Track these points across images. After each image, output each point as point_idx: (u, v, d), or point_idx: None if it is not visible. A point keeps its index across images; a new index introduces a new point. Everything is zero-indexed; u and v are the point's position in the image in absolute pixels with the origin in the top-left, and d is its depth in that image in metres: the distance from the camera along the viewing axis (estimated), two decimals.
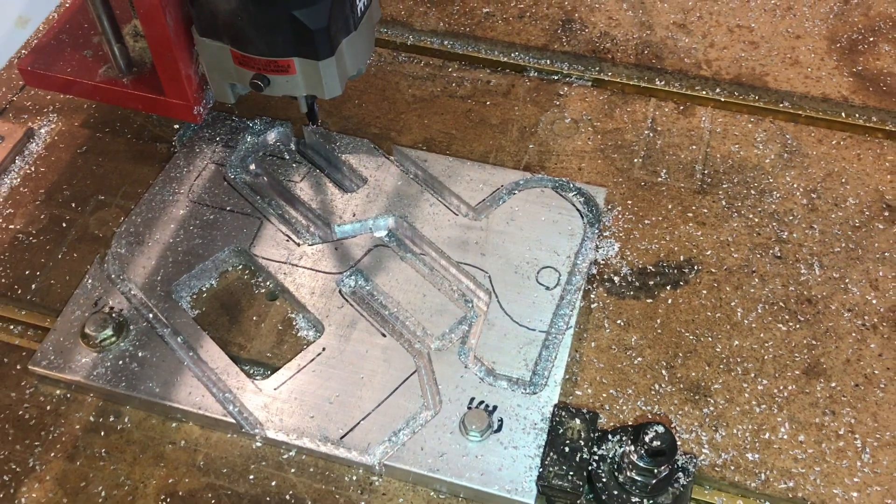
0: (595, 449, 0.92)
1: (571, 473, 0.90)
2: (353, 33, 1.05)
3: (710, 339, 1.06)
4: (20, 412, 1.03)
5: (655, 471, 0.86)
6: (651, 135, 1.27)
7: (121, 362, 1.02)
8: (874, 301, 1.09)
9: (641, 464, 0.86)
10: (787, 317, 1.08)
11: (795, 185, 1.20)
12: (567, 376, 1.03)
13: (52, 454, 0.99)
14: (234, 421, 0.98)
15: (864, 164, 1.23)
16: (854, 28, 1.40)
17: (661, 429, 0.86)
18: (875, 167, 1.22)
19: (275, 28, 1.00)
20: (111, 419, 1.02)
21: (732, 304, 1.09)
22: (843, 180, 1.21)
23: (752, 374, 1.03)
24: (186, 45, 1.09)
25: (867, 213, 1.17)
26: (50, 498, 0.96)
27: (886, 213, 1.17)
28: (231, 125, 1.26)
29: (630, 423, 0.98)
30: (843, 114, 1.29)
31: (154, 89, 1.16)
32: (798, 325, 1.07)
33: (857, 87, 1.32)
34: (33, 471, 0.98)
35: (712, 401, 1.01)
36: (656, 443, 0.85)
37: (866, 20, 1.41)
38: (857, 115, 1.29)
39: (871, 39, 1.38)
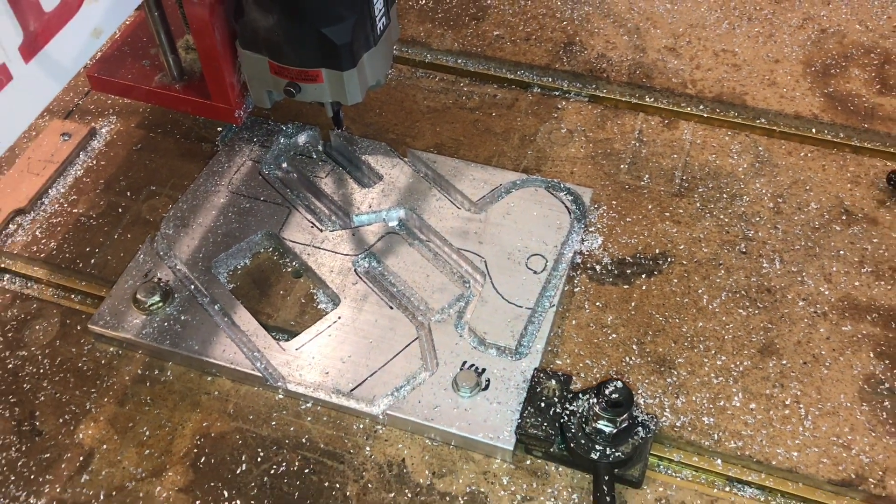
0: (567, 405, 1.07)
1: (545, 424, 1.05)
2: (372, 48, 1.22)
3: (677, 320, 1.21)
4: (79, 364, 1.20)
5: (617, 420, 1.01)
6: (637, 144, 1.42)
7: (166, 324, 1.19)
8: (826, 292, 1.22)
9: (603, 414, 1.01)
10: (747, 303, 1.22)
11: (764, 191, 1.35)
12: (549, 348, 1.18)
13: (106, 399, 1.16)
14: (260, 375, 1.14)
15: (827, 174, 1.37)
16: (828, 54, 1.54)
17: (619, 384, 1.01)
18: (837, 177, 1.36)
19: (306, 43, 1.17)
20: (156, 372, 1.19)
21: (699, 291, 1.23)
22: (808, 188, 1.35)
23: (713, 351, 1.17)
24: (231, 57, 1.26)
25: (827, 216, 1.31)
26: (103, 434, 1.13)
27: (844, 217, 1.31)
28: (267, 128, 1.44)
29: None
30: (813, 130, 1.43)
31: (202, 95, 1.33)
32: (757, 311, 1.21)
33: (828, 106, 1.46)
34: (89, 412, 1.15)
35: (676, 372, 1.15)
36: (615, 395, 1.00)
37: (840, 47, 1.55)
38: (825, 132, 1.43)
39: (843, 64, 1.52)
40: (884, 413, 1.10)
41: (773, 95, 1.48)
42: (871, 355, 1.16)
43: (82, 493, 1.08)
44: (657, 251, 1.28)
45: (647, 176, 1.38)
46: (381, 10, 1.20)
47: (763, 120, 1.45)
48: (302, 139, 1.42)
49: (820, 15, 1.61)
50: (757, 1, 1.65)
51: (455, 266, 1.24)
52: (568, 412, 1.06)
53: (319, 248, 1.27)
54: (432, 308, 1.19)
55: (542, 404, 1.07)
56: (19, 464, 1.11)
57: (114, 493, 1.08)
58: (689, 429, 1.10)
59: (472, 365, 1.13)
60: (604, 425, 1.02)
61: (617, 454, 1.02)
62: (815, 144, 1.41)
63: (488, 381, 1.11)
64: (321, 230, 1.29)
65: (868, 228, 1.29)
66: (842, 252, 1.27)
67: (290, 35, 1.16)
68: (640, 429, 1.05)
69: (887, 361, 1.15)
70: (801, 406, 1.12)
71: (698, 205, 1.34)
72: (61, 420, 1.15)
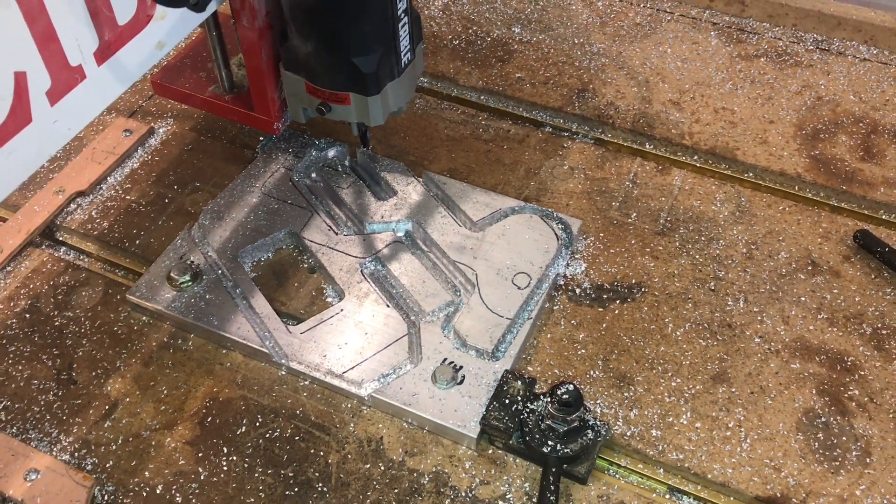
0: (529, 404, 1.21)
1: (507, 418, 1.19)
2: (396, 79, 1.39)
3: (642, 343, 1.34)
4: (115, 328, 1.38)
5: (568, 420, 1.15)
6: (630, 185, 1.57)
7: (192, 300, 1.37)
8: (782, 332, 1.35)
9: (556, 413, 1.15)
10: (707, 335, 1.35)
11: (740, 238, 1.48)
12: (523, 356, 1.32)
13: (133, 360, 1.34)
14: (268, 352, 1.30)
15: (801, 228, 1.49)
16: (820, 120, 1.67)
17: (570, 386, 1.14)
18: (810, 231, 1.49)
19: (338, 69, 1.34)
20: (179, 341, 1.36)
21: (666, 320, 1.37)
22: (781, 238, 1.48)
23: (670, 374, 1.30)
24: (274, 76, 1.44)
25: (794, 265, 1.44)
26: (128, 389, 1.30)
27: (810, 268, 1.43)
28: (302, 141, 1.62)
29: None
30: (795, 187, 1.56)
31: (247, 107, 1.51)
32: (715, 343, 1.34)
33: (811, 167, 1.59)
34: (118, 370, 1.33)
35: (633, 388, 1.29)
36: (566, 396, 1.14)
37: (832, 115, 1.68)
38: (806, 190, 1.56)
39: (833, 130, 1.65)
40: (816, 443, 1.22)
41: (763, 153, 1.61)
42: (814, 392, 1.27)
43: (104, 436, 1.25)
44: (633, 281, 1.42)
45: (634, 214, 1.52)
46: (406, 47, 1.37)
47: (751, 174, 1.58)
48: (331, 153, 1.59)
49: (818, 83, 1.74)
50: (762, 66, 1.79)
51: (450, 276, 1.40)
52: (528, 410, 1.20)
53: (333, 248, 1.44)
54: (424, 310, 1.34)
55: (507, 401, 1.21)
56: (55, 406, 1.29)
57: (130, 438, 1.25)
58: (638, 438, 1.23)
59: (452, 362, 1.28)
60: (556, 423, 1.16)
61: (566, 450, 1.16)
62: (795, 200, 1.54)
63: (463, 377, 1.26)
64: (337, 234, 1.46)
65: (830, 280, 1.41)
66: (802, 298, 1.39)
67: (325, 61, 1.34)
68: (590, 431, 1.18)
69: (827, 399, 1.27)
70: (742, 429, 1.24)
71: (677, 244, 1.47)
72: (94, 373, 1.32)
